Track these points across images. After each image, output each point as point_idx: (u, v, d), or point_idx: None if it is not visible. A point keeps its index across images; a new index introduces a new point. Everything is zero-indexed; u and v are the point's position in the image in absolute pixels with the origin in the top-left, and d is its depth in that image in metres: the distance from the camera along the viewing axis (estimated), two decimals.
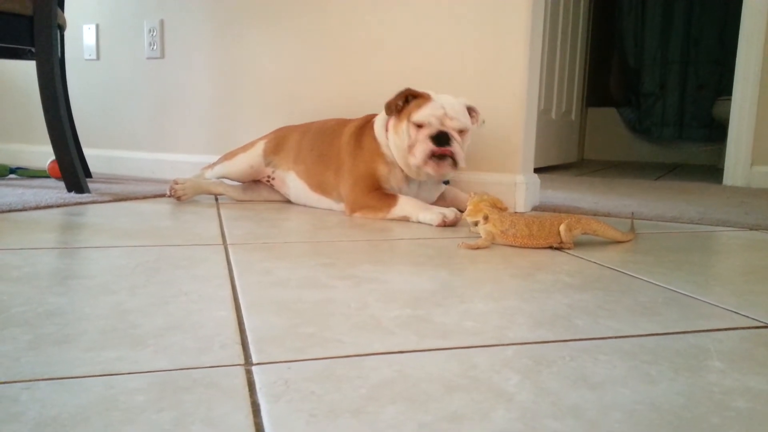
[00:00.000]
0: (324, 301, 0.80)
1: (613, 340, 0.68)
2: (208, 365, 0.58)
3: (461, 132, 1.50)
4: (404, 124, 1.51)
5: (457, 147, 1.47)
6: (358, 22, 1.94)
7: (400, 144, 1.53)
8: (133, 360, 0.59)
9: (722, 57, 4.28)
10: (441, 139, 1.46)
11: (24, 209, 1.52)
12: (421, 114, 1.49)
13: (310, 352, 0.62)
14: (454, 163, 1.49)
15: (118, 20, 2.49)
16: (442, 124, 1.48)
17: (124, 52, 2.49)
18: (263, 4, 2.13)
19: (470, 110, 1.56)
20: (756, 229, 1.48)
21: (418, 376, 0.57)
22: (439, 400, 0.52)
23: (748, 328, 0.73)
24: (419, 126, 1.49)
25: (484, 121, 1.61)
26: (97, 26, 2.55)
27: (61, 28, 1.98)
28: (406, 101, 1.53)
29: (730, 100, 2.76)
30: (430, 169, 1.48)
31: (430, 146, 1.46)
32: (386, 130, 1.57)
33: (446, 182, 1.67)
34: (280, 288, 0.86)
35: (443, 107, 1.49)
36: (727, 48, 4.19)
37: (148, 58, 2.42)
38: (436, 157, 1.47)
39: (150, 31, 2.39)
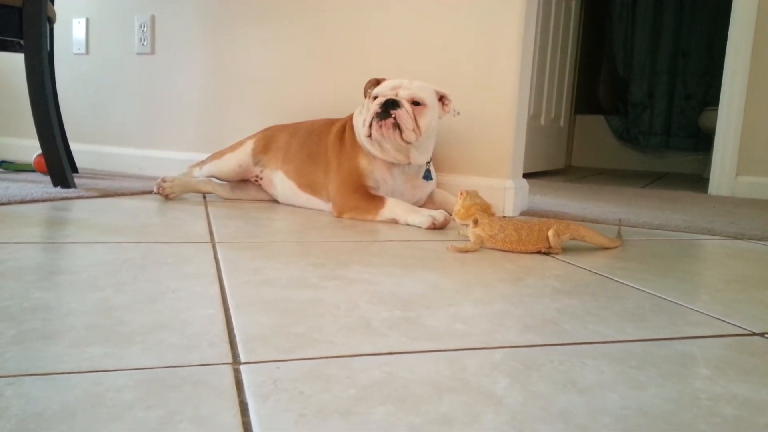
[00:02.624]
0: (313, 302, 0.80)
1: (602, 345, 0.68)
2: (196, 363, 0.58)
3: (416, 104, 1.51)
4: (366, 102, 1.58)
5: (403, 113, 1.48)
6: (353, 23, 1.94)
7: (361, 121, 1.57)
8: (120, 357, 0.58)
9: (709, 69, 4.33)
10: (388, 104, 1.49)
11: (9, 203, 1.50)
12: (378, 87, 1.55)
13: (299, 352, 0.62)
14: (399, 129, 1.48)
15: (109, 15, 2.47)
16: (396, 95, 1.51)
17: (114, 47, 2.47)
18: (256, 1, 2.12)
19: (442, 97, 1.58)
20: (741, 239, 1.49)
21: (407, 377, 0.57)
22: (428, 402, 0.52)
23: (734, 335, 0.74)
24: (375, 98, 1.53)
25: (458, 113, 1.64)
26: (88, 20, 2.53)
27: (51, 20, 1.96)
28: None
29: (716, 110, 2.79)
30: (374, 132, 1.49)
31: (375, 110, 1.49)
32: None
33: (428, 177, 1.63)
34: (269, 287, 0.86)
35: (401, 82, 1.54)
36: (714, 60, 4.24)
37: (138, 54, 2.41)
38: (379, 117, 1.48)
39: (141, 26, 2.37)
